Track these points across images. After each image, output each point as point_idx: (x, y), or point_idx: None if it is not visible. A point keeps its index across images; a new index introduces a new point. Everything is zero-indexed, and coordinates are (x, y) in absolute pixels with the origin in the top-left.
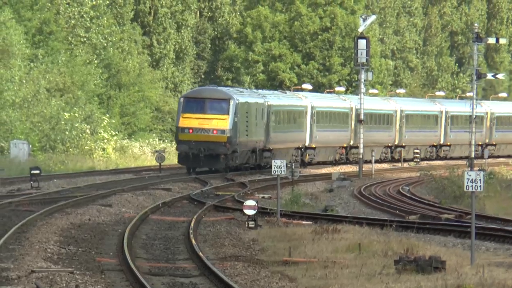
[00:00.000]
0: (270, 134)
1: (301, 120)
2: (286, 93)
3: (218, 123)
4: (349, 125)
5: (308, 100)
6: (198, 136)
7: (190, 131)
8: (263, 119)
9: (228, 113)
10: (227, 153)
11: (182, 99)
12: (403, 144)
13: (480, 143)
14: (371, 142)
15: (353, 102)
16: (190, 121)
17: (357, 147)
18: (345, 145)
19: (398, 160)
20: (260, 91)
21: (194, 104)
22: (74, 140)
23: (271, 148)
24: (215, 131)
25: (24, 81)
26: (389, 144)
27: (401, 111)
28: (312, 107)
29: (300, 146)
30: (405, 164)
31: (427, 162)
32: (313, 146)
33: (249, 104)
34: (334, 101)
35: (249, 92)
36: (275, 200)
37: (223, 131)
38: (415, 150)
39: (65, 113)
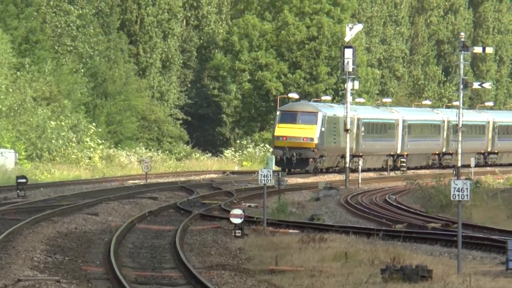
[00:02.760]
0: (360, 142)
1: (392, 131)
2: (379, 108)
3: (307, 132)
4: (441, 135)
5: (399, 114)
6: (291, 143)
7: (284, 138)
8: (353, 129)
9: (316, 124)
10: (315, 157)
11: (278, 112)
12: (360, 154)
13: (437, 152)
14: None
15: (445, 115)
16: (285, 130)
17: (449, 154)
18: (437, 152)
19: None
20: (352, 106)
21: (288, 116)
22: (60, 149)
23: (361, 154)
24: (305, 139)
25: (10, 90)
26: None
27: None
28: (404, 120)
29: (392, 153)
30: (392, 173)
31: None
32: (405, 153)
33: (337, 117)
34: (426, 114)
35: (339, 107)
36: (261, 209)
37: (311, 139)
38: (402, 160)
39: (51, 122)
